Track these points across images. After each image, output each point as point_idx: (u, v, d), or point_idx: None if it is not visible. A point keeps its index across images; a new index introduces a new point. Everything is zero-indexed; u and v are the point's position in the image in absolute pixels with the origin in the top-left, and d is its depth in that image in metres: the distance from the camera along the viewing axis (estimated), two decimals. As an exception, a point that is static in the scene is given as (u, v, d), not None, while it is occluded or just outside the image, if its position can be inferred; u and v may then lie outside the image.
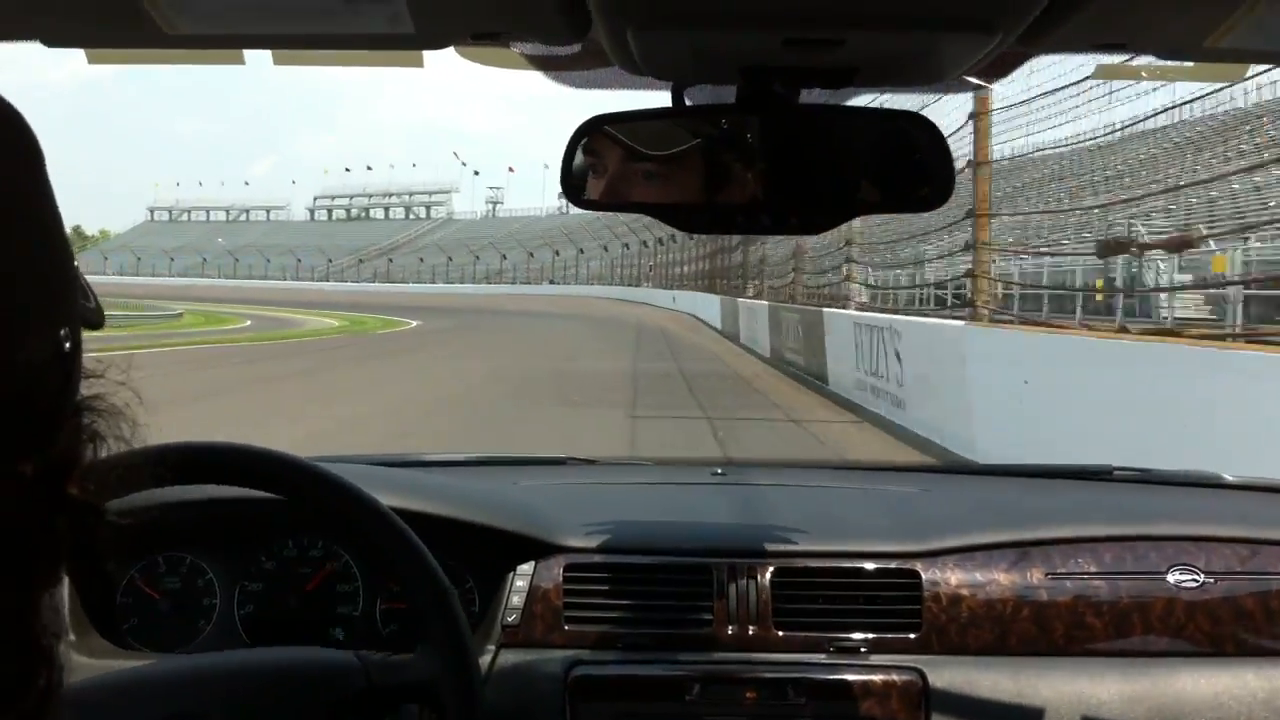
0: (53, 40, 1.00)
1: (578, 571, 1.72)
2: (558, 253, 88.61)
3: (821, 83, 1.11)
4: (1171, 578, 1.72)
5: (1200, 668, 1.66)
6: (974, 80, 1.21)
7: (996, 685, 1.64)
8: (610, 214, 54.21)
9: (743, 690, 1.64)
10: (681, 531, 1.81)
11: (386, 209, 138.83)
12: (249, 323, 39.24)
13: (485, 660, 1.67)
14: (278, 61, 1.09)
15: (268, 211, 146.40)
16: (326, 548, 1.79)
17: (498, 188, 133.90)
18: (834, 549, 1.74)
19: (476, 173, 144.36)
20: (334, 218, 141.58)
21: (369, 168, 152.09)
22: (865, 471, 2.50)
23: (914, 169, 1.21)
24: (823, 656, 1.67)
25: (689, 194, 1.20)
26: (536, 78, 1.24)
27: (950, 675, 1.65)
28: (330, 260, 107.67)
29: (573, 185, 1.20)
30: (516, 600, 1.72)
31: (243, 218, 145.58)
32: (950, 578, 1.71)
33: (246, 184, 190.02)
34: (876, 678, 1.64)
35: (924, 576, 1.71)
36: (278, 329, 33.57)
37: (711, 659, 1.67)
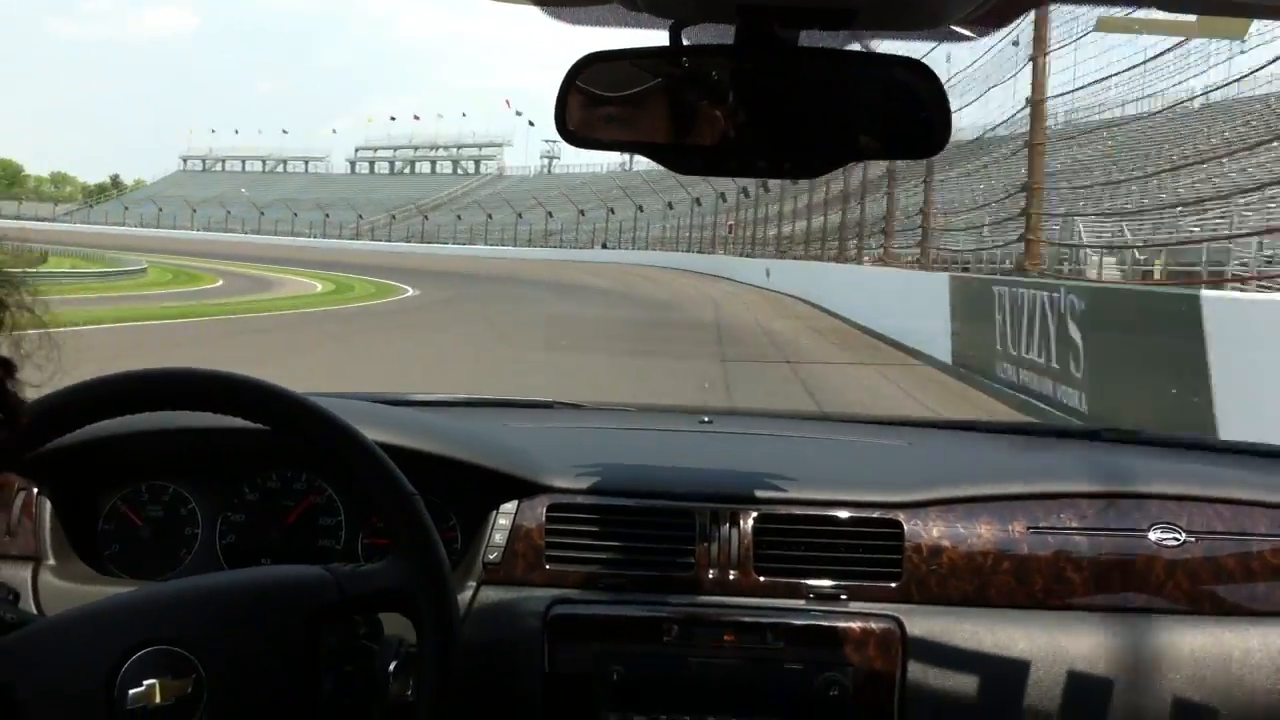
0: None
1: (561, 512, 1.73)
2: (612, 210, 76.96)
3: (820, 23, 1.10)
4: (1153, 535, 1.73)
5: (1177, 625, 1.68)
6: (971, 32, 1.20)
7: (974, 635, 1.66)
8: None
9: (721, 632, 1.65)
10: (666, 475, 1.82)
11: (433, 163, 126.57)
12: (220, 283, 35.63)
13: (466, 597, 1.68)
14: None
15: (306, 163, 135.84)
16: (310, 481, 1.79)
17: (553, 140, 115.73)
18: (817, 497, 1.75)
19: (531, 123, 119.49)
20: (376, 171, 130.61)
21: (416, 117, 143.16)
22: (853, 424, 2.48)
23: (912, 115, 1.19)
24: (802, 602, 1.68)
25: (683, 134, 1.18)
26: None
27: (928, 625, 1.66)
28: (361, 217, 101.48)
29: (566, 123, 1.19)
30: (499, 538, 1.72)
31: (279, 169, 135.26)
32: (932, 529, 1.72)
33: (285, 132, 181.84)
34: (855, 625, 1.66)
35: (906, 527, 1.72)
36: (243, 295, 28.12)
37: (692, 602, 1.68)
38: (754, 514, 1.73)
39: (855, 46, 1.22)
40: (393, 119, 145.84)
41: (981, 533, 1.73)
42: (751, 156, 1.21)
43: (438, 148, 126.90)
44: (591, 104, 1.20)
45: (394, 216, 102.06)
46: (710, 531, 1.71)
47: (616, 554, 1.72)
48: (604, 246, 70.11)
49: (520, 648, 1.65)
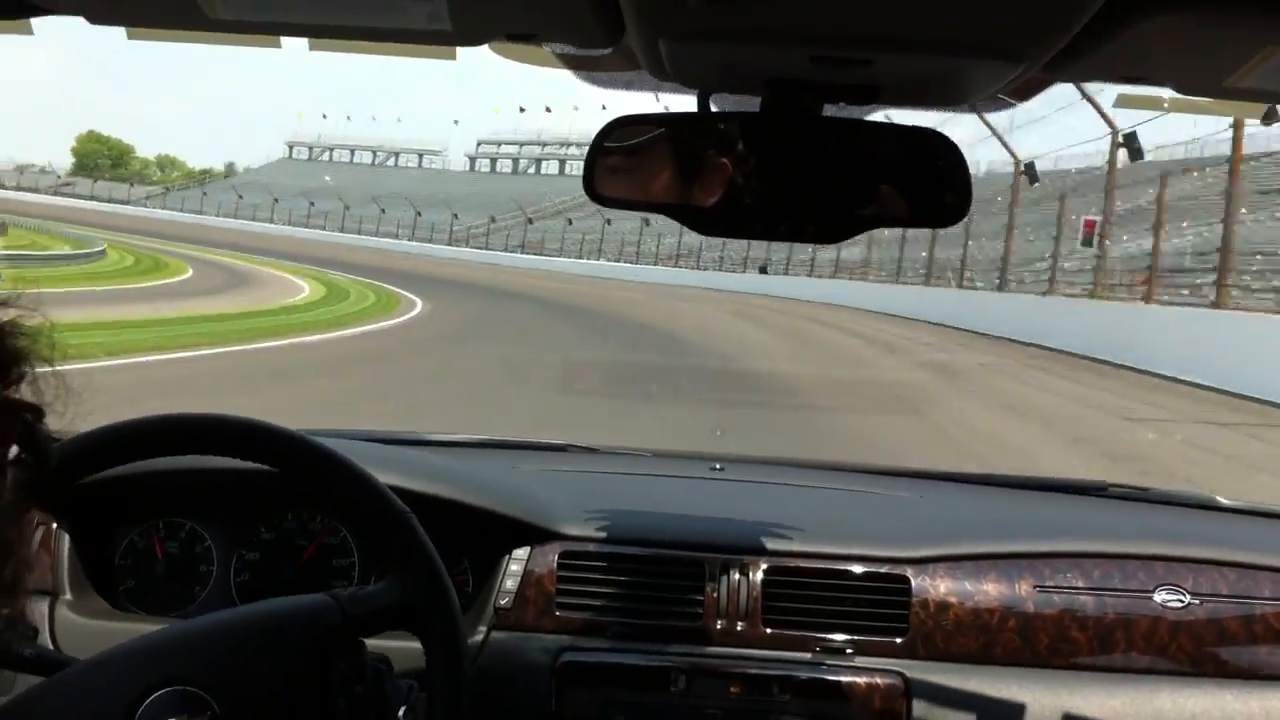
0: (97, 18, 1.02)
1: (572, 559, 1.75)
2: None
3: (846, 99, 1.14)
4: (1158, 597, 1.75)
5: (1181, 687, 1.70)
6: (991, 108, 1.25)
7: (978, 693, 1.68)
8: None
9: (727, 684, 1.67)
10: (677, 525, 1.83)
11: (562, 162, 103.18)
12: (188, 275, 32.66)
13: (476, 641, 1.70)
14: (313, 48, 1.12)
15: (420, 156, 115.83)
16: (324, 521, 1.82)
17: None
18: (826, 550, 1.77)
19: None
20: (498, 169, 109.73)
21: (548, 109, 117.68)
22: (863, 475, 2.45)
23: (932, 184, 1.23)
24: (809, 655, 1.70)
25: (709, 198, 1.21)
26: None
27: (933, 681, 1.68)
28: (456, 216, 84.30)
29: (596, 182, 1.23)
30: (510, 584, 1.74)
31: (390, 161, 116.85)
32: (939, 585, 1.74)
33: (399, 121, 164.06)
34: (860, 679, 1.68)
35: (913, 582, 1.74)
36: (176, 297, 22.69)
37: (699, 652, 1.70)
38: (764, 565, 1.74)
39: (878, 115, 1.26)
40: (522, 110, 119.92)
41: (988, 590, 1.75)
42: (774, 220, 1.23)
43: (569, 144, 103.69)
44: (620, 165, 1.23)
45: (493, 219, 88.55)
46: (719, 582, 1.73)
47: (626, 602, 1.73)
48: (762, 271, 49.21)
49: (529, 693, 1.67)
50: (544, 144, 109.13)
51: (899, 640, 1.71)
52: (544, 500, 1.84)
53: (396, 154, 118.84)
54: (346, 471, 1.26)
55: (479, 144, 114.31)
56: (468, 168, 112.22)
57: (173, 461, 1.43)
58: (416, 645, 1.26)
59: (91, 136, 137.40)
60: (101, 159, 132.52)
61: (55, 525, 1.73)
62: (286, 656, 1.21)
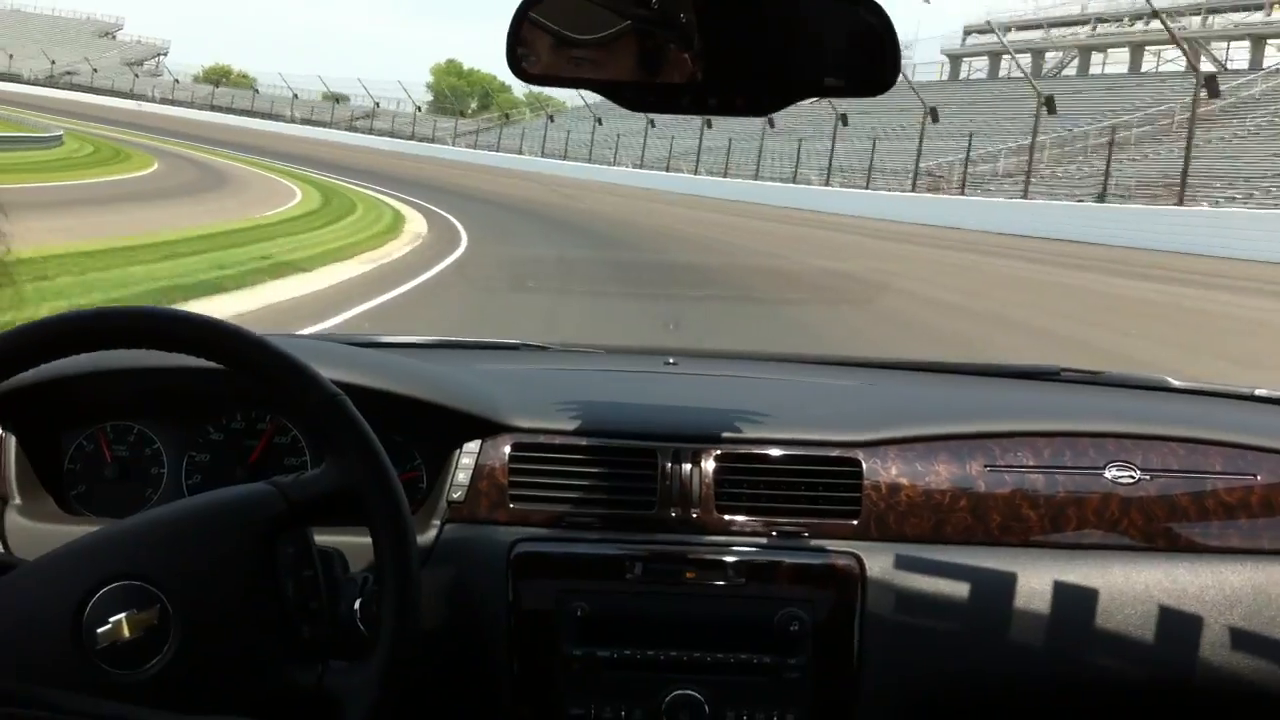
0: None
1: (524, 451, 1.74)
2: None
3: None
4: (1109, 473, 1.76)
5: (1133, 561, 1.71)
6: None
7: (932, 571, 1.69)
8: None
9: (683, 570, 1.68)
10: (628, 415, 1.83)
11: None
12: (151, 169, 31.34)
13: (430, 536, 1.70)
14: None
15: None
16: (275, 421, 1.81)
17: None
18: (778, 436, 1.77)
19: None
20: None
21: None
22: (814, 365, 2.45)
23: (862, 52, 1.21)
24: (763, 540, 1.71)
25: (635, 72, 1.19)
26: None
27: (887, 561, 1.70)
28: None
29: (517, 58, 1.19)
30: (462, 477, 1.74)
31: None
32: (890, 467, 1.75)
33: None
34: (815, 561, 1.69)
35: (864, 465, 1.74)
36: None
37: (654, 539, 1.70)
38: (715, 453, 1.74)
39: None
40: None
41: (939, 471, 1.75)
42: (703, 93, 1.20)
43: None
44: (542, 42, 1.20)
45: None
46: (672, 470, 1.73)
47: (580, 493, 1.73)
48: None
49: (484, 585, 1.67)
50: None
51: (853, 522, 1.72)
52: (495, 394, 1.83)
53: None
54: (276, 357, 1.24)
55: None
56: (947, 74, 69.21)
57: (116, 362, 1.43)
58: (369, 544, 1.25)
59: (451, 69, 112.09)
60: (463, 94, 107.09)
61: (1, 430, 1.72)
62: (230, 545, 1.21)
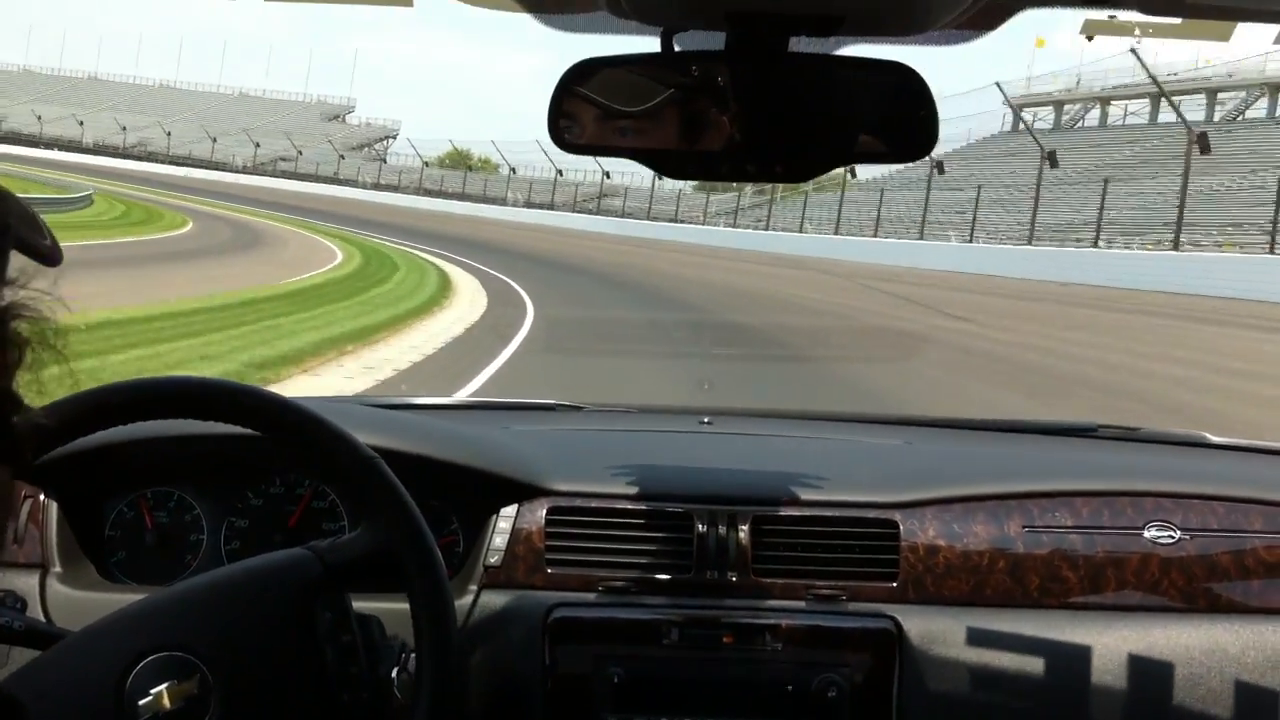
0: None
1: (561, 515, 1.75)
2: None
3: (807, 30, 1.13)
4: (1148, 533, 1.75)
5: (1173, 622, 1.69)
6: (957, 36, 1.22)
7: (970, 635, 1.67)
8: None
9: (720, 634, 1.67)
10: (664, 478, 1.82)
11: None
12: (186, 229, 31.08)
13: (467, 601, 1.70)
14: None
15: None
16: (313, 486, 1.82)
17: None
18: (814, 498, 1.77)
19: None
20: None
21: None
22: (850, 423, 2.45)
23: (900, 118, 1.21)
24: (801, 603, 1.70)
25: (675, 140, 1.20)
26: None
27: (925, 624, 1.68)
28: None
29: (559, 129, 1.21)
30: (499, 542, 1.74)
31: None
32: (928, 529, 1.74)
33: None
34: (852, 625, 1.68)
35: (902, 526, 1.74)
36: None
37: (691, 603, 1.69)
38: (752, 515, 1.74)
39: (845, 50, 1.24)
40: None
41: (977, 532, 1.74)
42: (742, 161, 1.21)
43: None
44: (585, 110, 1.21)
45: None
46: (709, 533, 1.73)
47: (616, 556, 1.73)
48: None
49: (521, 650, 1.67)
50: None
51: (890, 585, 1.71)
52: (531, 457, 1.84)
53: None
54: (313, 423, 1.26)
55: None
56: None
57: (157, 430, 1.44)
58: (407, 609, 1.25)
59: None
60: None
61: (44, 497, 1.73)
62: (269, 612, 1.21)
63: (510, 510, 1.76)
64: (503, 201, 76.57)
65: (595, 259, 30.96)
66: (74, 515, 1.75)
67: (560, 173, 71.37)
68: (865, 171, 49.70)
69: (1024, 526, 1.74)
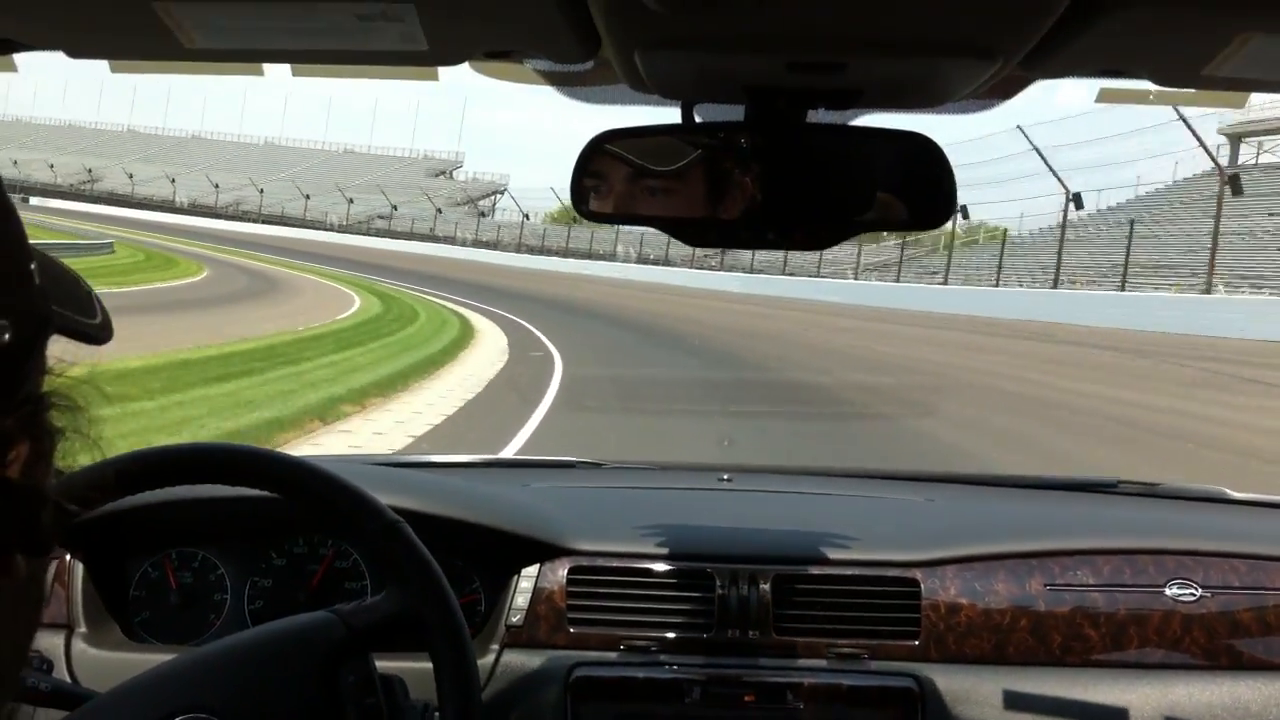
0: (76, 52, 1.03)
1: (582, 574, 1.76)
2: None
3: (826, 104, 1.15)
4: (1170, 591, 1.74)
5: (1196, 680, 1.69)
6: (973, 107, 1.24)
7: (993, 694, 1.67)
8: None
9: (742, 693, 1.67)
10: (685, 536, 1.83)
11: None
12: (203, 276, 30.46)
13: (489, 660, 1.71)
14: (296, 74, 1.12)
15: None
16: (336, 546, 1.83)
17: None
18: (835, 556, 1.77)
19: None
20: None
21: None
22: (871, 480, 2.43)
23: (918, 188, 1.23)
24: (822, 662, 1.70)
25: (695, 208, 1.22)
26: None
27: (947, 683, 1.68)
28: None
29: (582, 198, 1.23)
30: (521, 601, 1.75)
31: None
32: (949, 587, 1.74)
33: None
34: (873, 684, 1.68)
35: (923, 585, 1.74)
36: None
37: (712, 662, 1.70)
38: (773, 574, 1.74)
39: (863, 119, 1.26)
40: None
41: (999, 590, 1.74)
42: (762, 229, 1.22)
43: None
44: (606, 179, 1.23)
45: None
46: (730, 592, 1.73)
47: (638, 615, 1.73)
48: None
49: (543, 709, 1.67)
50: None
51: (912, 643, 1.71)
52: (552, 516, 1.85)
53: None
54: (336, 487, 1.27)
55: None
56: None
57: (181, 492, 1.47)
58: (430, 669, 1.26)
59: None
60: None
61: (69, 558, 1.75)
62: (294, 675, 1.22)
63: (532, 570, 1.77)
64: (611, 257, 68.62)
65: (725, 332, 22.04)
66: (99, 575, 1.77)
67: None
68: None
69: (1046, 585, 1.75)
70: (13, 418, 0.57)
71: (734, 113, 1.19)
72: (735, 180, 1.20)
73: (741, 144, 1.20)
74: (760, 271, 53.21)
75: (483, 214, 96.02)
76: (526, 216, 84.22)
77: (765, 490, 2.26)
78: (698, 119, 1.21)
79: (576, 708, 1.67)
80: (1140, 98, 1.27)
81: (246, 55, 1.05)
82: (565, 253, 71.94)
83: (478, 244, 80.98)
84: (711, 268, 57.47)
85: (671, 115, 1.21)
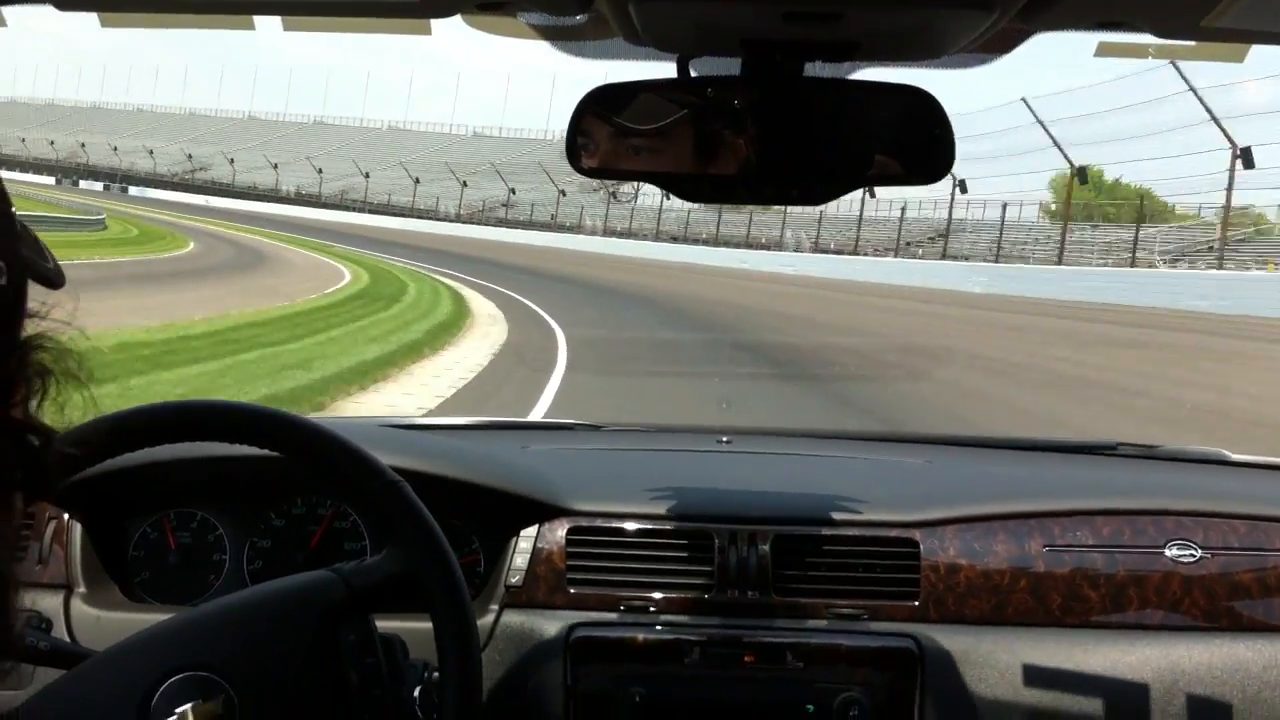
0: (65, 4, 1.01)
1: (581, 535, 1.75)
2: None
3: (823, 56, 1.13)
4: (1169, 552, 1.74)
5: (1195, 641, 1.69)
6: (972, 60, 1.22)
7: (992, 654, 1.67)
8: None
9: (741, 653, 1.67)
10: (685, 497, 1.82)
11: None
12: (189, 249, 30.19)
13: (488, 621, 1.71)
14: (287, 28, 1.10)
15: None
16: (333, 505, 1.83)
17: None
18: (834, 517, 1.77)
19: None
20: None
21: None
22: (871, 442, 2.46)
23: (916, 142, 1.22)
24: (821, 623, 1.70)
25: (692, 164, 1.21)
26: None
27: (946, 644, 1.68)
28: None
29: (577, 153, 1.22)
30: (520, 562, 1.75)
31: None
32: (949, 547, 1.74)
33: None
34: (873, 644, 1.67)
35: (922, 546, 1.73)
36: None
37: (712, 623, 1.70)
38: (772, 535, 1.74)
39: (860, 74, 1.24)
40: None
41: (998, 551, 1.74)
42: (759, 184, 1.22)
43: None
44: (602, 134, 1.22)
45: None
46: (729, 553, 1.73)
47: (637, 576, 1.73)
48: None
49: (542, 670, 1.67)
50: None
51: (911, 604, 1.71)
52: (551, 477, 1.85)
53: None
54: (337, 446, 1.26)
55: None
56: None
57: (179, 452, 1.47)
58: (430, 629, 1.26)
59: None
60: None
61: (67, 518, 1.75)
62: (294, 633, 1.22)
63: (531, 530, 1.77)
64: (779, 246, 56.26)
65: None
66: (98, 536, 1.78)
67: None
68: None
69: (1045, 545, 1.74)
70: (14, 358, 0.59)
71: (730, 66, 1.17)
72: (731, 135, 1.19)
73: (739, 98, 1.18)
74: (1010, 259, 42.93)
75: (614, 196, 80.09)
76: (667, 196, 76.98)
77: (765, 452, 2.26)
78: (693, 74, 1.19)
79: (576, 668, 1.67)
80: (1139, 52, 1.26)
81: (237, 7, 1.04)
82: (716, 241, 60.05)
83: (608, 233, 68.94)
84: (916, 256, 47.19)
85: (667, 70, 1.20)
